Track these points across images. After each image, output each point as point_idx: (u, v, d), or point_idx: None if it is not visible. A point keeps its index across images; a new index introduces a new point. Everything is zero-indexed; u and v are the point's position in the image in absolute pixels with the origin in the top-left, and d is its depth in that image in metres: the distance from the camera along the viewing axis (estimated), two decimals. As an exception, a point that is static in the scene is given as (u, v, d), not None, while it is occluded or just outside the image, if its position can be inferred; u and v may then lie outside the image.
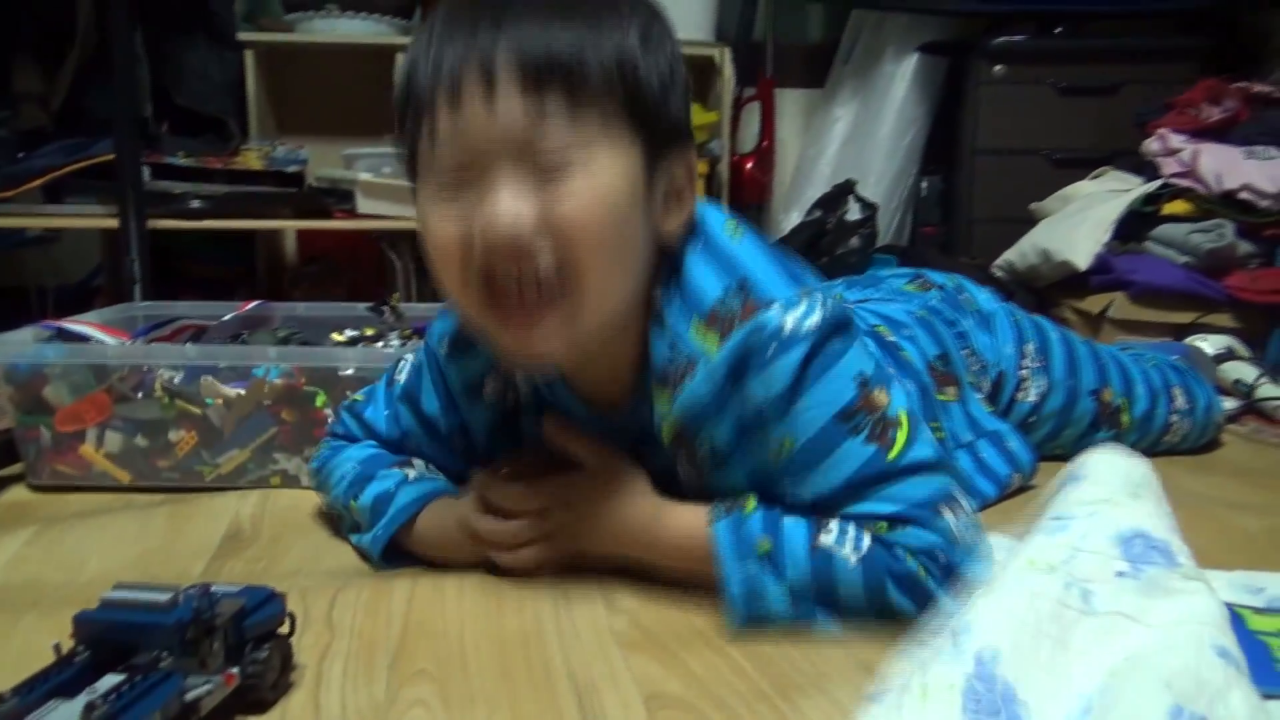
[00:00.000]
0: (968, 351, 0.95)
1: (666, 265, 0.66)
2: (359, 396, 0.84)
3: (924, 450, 0.64)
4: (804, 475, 0.64)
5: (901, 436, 0.63)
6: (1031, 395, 0.99)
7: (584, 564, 0.71)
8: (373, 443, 0.81)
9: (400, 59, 2.17)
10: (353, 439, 0.82)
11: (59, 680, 0.48)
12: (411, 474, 0.77)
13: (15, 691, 0.46)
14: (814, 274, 0.69)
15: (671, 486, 0.70)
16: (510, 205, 0.57)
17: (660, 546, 0.68)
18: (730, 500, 0.66)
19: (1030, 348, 1.00)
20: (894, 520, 0.62)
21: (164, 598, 0.50)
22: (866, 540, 0.61)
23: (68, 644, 0.51)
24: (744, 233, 0.67)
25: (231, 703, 0.52)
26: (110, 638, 0.50)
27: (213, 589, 0.53)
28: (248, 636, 0.53)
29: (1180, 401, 1.07)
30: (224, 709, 0.51)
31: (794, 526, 0.63)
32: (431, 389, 0.78)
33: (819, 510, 0.64)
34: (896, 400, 0.64)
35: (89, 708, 0.44)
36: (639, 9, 0.61)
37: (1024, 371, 0.99)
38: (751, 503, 0.65)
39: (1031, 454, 0.92)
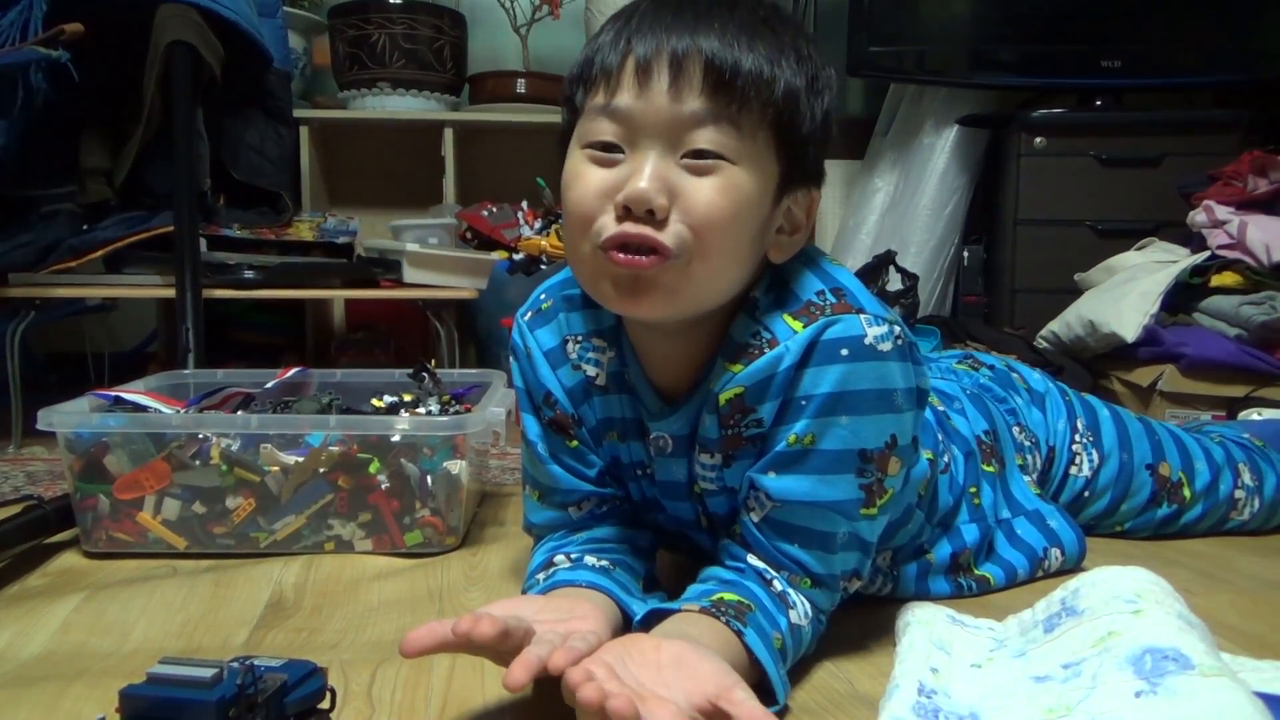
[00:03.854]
0: (1019, 428, 0.95)
1: (770, 274, 0.70)
2: (526, 492, 0.82)
3: (876, 528, 0.70)
4: (796, 470, 0.67)
5: (880, 503, 0.69)
6: (1084, 470, 0.99)
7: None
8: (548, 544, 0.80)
9: (448, 134, 2.24)
10: (541, 518, 0.81)
11: None
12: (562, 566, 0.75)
13: None
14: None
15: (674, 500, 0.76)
16: (658, 179, 0.63)
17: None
18: (725, 606, 0.64)
19: (1080, 423, 1.00)
20: (816, 581, 0.69)
21: (208, 674, 0.51)
22: (810, 608, 0.68)
23: (113, 717, 0.52)
24: (843, 266, 0.73)
25: None
26: (155, 714, 0.51)
27: (255, 664, 0.54)
28: (289, 713, 0.54)
29: (1247, 477, 1.05)
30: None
31: (776, 612, 0.66)
32: (534, 376, 0.78)
33: (770, 523, 0.68)
34: (896, 479, 0.70)
35: None
36: (813, 59, 0.67)
37: (1076, 446, 0.99)
38: (747, 602, 0.65)
39: (1075, 533, 0.90)
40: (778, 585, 0.68)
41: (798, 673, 0.68)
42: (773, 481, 0.67)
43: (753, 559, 0.69)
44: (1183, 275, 1.68)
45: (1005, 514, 0.89)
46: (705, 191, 0.63)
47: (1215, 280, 1.67)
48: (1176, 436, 1.05)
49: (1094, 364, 1.75)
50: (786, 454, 0.67)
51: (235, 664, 0.53)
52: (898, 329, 0.67)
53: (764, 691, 0.62)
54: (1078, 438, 0.99)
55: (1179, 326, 1.66)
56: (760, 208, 0.65)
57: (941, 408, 0.90)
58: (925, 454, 0.79)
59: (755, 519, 0.69)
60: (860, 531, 0.69)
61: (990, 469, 0.89)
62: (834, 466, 0.66)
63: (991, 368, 1.03)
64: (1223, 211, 1.70)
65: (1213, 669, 0.54)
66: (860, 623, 0.74)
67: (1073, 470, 0.99)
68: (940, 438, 0.85)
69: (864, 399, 0.65)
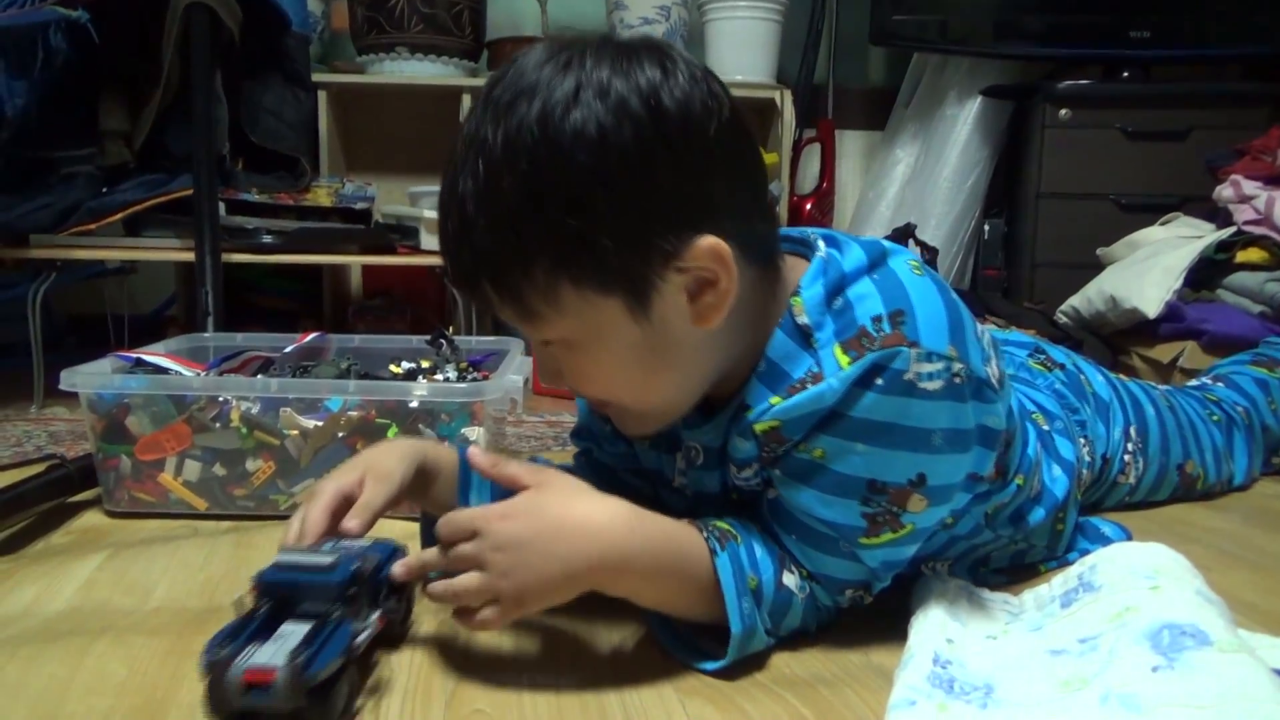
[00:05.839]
0: (1084, 440, 0.93)
1: (829, 282, 0.65)
2: None
3: (885, 557, 0.66)
4: (800, 480, 0.64)
5: (888, 538, 0.65)
6: (1131, 478, 0.99)
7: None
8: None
9: (466, 100, 2.23)
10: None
11: (250, 630, 0.56)
12: None
13: (220, 642, 0.54)
14: (993, 356, 0.68)
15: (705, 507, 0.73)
16: (543, 370, 0.67)
17: (635, 567, 0.61)
18: (714, 527, 0.65)
19: (1133, 430, 0.99)
20: (811, 575, 0.67)
21: (327, 560, 0.60)
22: (807, 585, 0.67)
23: (248, 598, 0.59)
24: (927, 275, 0.66)
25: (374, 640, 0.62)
26: (285, 594, 0.59)
27: (355, 548, 0.63)
28: (382, 589, 0.63)
29: (1231, 463, 1.10)
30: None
31: (765, 560, 0.65)
32: None
33: (777, 507, 0.67)
34: (920, 517, 0.65)
35: (294, 654, 0.53)
36: (550, 192, 0.57)
37: (1128, 456, 0.98)
38: (735, 532, 0.65)
39: (1126, 537, 0.88)
40: (781, 552, 0.67)
41: (812, 642, 0.68)
42: (781, 482, 0.66)
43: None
44: (1207, 251, 1.66)
45: (1070, 538, 0.86)
46: (571, 371, 0.65)
47: (1240, 256, 1.65)
48: (1193, 424, 1.05)
49: (1114, 340, 1.73)
50: (797, 461, 0.64)
51: (341, 548, 0.62)
52: (957, 366, 0.62)
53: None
54: (1130, 446, 0.98)
55: (1202, 303, 1.64)
56: (624, 342, 0.61)
57: (1046, 427, 0.86)
58: (1017, 479, 0.74)
59: (770, 495, 0.68)
60: (861, 556, 0.65)
61: (1079, 497, 0.87)
62: (837, 489, 0.63)
63: (1062, 367, 0.98)
64: (1250, 186, 1.67)
65: (1231, 645, 0.54)
66: (876, 594, 0.73)
67: (1121, 479, 0.98)
68: (1040, 458, 0.80)
69: (890, 432, 0.61)
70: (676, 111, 0.58)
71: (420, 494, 0.73)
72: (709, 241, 0.59)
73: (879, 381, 0.61)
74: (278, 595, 0.59)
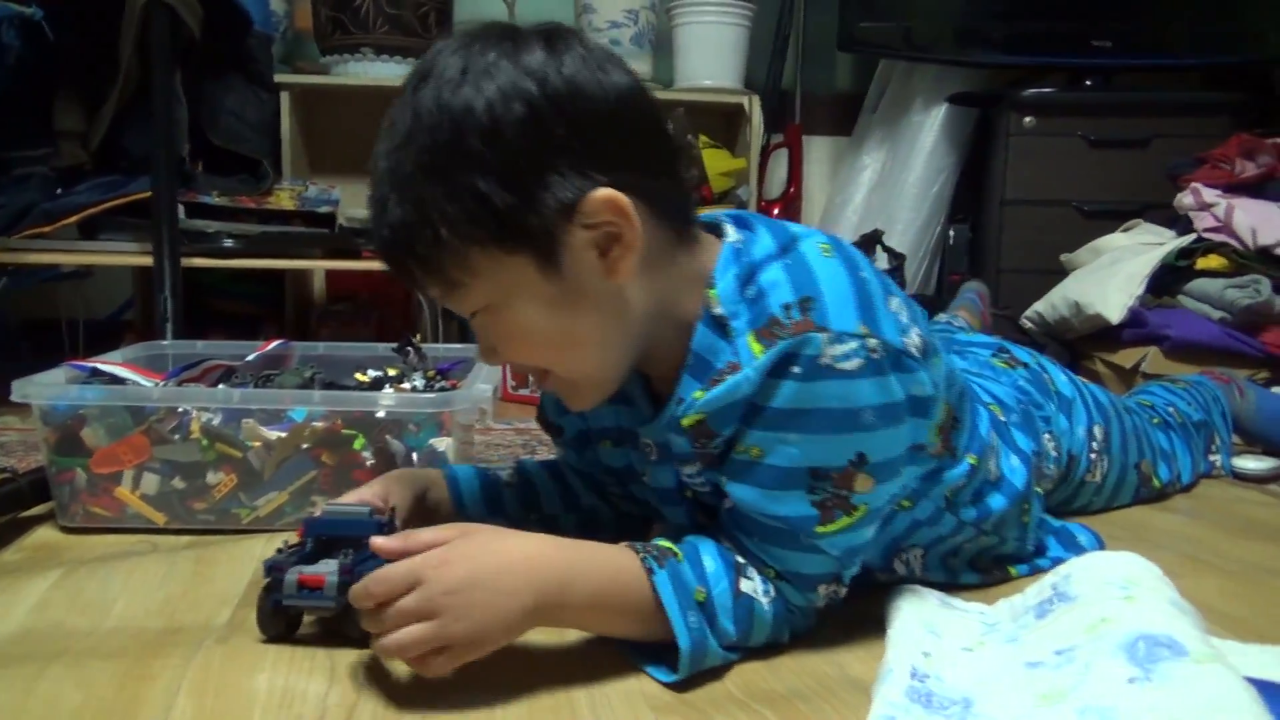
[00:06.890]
0: (1049, 435, 0.93)
1: (741, 271, 0.66)
2: None
3: (846, 541, 0.66)
4: (745, 479, 0.65)
5: (843, 523, 0.65)
6: (1097, 477, 1.00)
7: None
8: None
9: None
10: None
11: (300, 556, 0.68)
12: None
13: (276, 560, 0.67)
14: (913, 326, 0.68)
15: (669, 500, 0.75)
16: (481, 355, 0.71)
17: (574, 597, 0.62)
18: (651, 547, 0.66)
19: (1098, 430, 1.00)
20: (780, 575, 0.67)
21: (365, 510, 0.70)
22: (772, 587, 0.67)
23: (292, 538, 0.71)
24: (837, 256, 0.66)
25: None
26: (329, 533, 0.69)
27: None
28: None
29: (1174, 463, 1.14)
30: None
31: (716, 572, 0.65)
32: None
33: (735, 514, 0.67)
34: (872, 495, 0.65)
35: (344, 555, 0.66)
36: (445, 161, 0.60)
37: (1093, 455, 0.99)
38: (675, 550, 0.66)
39: (1100, 543, 0.90)
40: (740, 559, 0.67)
41: (787, 656, 0.67)
42: (728, 485, 0.66)
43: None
44: (1169, 258, 1.69)
45: (1039, 534, 0.87)
46: (501, 343, 0.67)
47: (1201, 263, 1.67)
48: (1142, 426, 1.08)
49: (1078, 345, 1.75)
50: (737, 461, 0.65)
51: (366, 507, 0.71)
52: (873, 342, 0.62)
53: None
54: (1095, 445, 0.99)
55: (1164, 309, 1.67)
56: (540, 300, 0.63)
57: (1003, 418, 0.87)
58: (969, 458, 0.75)
59: (726, 504, 0.68)
60: (821, 545, 0.65)
61: (1039, 489, 0.87)
62: (781, 482, 0.64)
63: (1026, 365, 0.99)
64: (1210, 194, 1.70)
65: (1206, 656, 0.54)
66: (850, 605, 0.73)
67: (1088, 477, 0.99)
68: (996, 445, 0.80)
69: (817, 418, 0.62)
70: (561, 82, 0.61)
71: (418, 508, 0.79)
72: (604, 193, 0.61)
73: (795, 369, 0.62)
74: (321, 536, 0.68)
